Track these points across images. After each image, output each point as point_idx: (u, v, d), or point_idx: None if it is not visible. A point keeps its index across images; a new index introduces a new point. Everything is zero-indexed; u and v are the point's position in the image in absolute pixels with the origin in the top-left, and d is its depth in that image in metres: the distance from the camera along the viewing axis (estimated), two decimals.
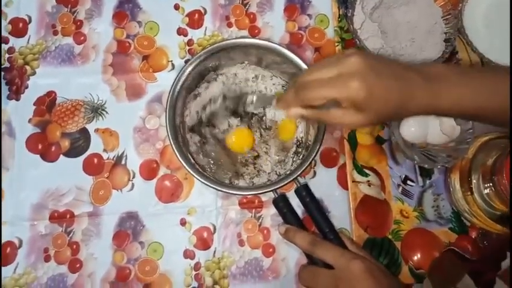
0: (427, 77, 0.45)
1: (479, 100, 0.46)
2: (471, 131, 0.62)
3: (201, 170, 0.61)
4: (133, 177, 0.66)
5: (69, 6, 0.73)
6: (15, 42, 0.71)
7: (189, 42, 0.72)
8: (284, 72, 0.67)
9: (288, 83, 0.68)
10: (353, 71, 0.43)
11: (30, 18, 0.72)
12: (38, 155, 0.67)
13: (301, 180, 0.60)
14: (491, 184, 0.60)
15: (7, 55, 0.70)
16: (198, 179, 0.58)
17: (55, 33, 0.72)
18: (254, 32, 0.73)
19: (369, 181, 0.65)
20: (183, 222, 0.65)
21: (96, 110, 0.69)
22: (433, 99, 0.45)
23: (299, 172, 0.58)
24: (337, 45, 0.71)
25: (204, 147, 0.66)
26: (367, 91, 0.43)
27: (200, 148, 0.66)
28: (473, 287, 0.57)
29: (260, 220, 0.65)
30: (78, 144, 0.68)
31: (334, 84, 0.44)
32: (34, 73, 0.70)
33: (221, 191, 0.59)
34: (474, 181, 0.62)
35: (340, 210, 0.65)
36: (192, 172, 0.58)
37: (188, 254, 0.64)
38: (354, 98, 0.43)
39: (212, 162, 0.65)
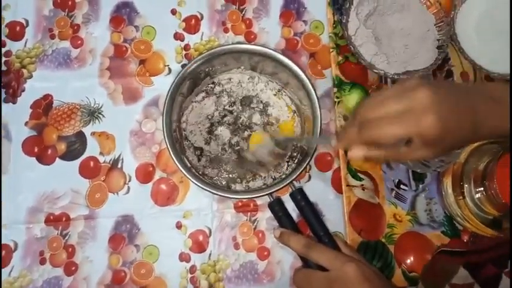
0: (495, 99, 0.43)
1: None
2: None
3: (197, 174, 0.61)
4: (130, 180, 0.67)
5: (67, 10, 0.74)
6: (12, 45, 0.71)
7: (186, 47, 0.72)
8: (280, 78, 0.68)
9: (291, 90, 0.68)
10: (425, 106, 0.40)
11: (27, 21, 0.72)
12: (34, 158, 0.67)
13: (296, 184, 0.61)
14: (482, 189, 0.61)
15: (4, 58, 0.70)
16: (193, 183, 0.59)
17: (52, 36, 0.72)
18: (250, 37, 0.73)
19: (362, 185, 0.66)
20: (178, 226, 0.65)
21: (93, 114, 0.69)
22: (502, 122, 0.43)
23: (294, 176, 0.59)
24: (332, 51, 0.72)
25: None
26: (442, 127, 0.40)
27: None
28: (469, 277, 0.58)
29: (255, 223, 0.66)
30: (75, 147, 0.68)
31: (405, 121, 0.41)
32: (31, 76, 0.70)
33: (217, 194, 0.60)
34: (466, 186, 0.63)
35: (335, 214, 0.66)
36: (188, 175, 0.59)
37: (184, 257, 0.64)
38: (428, 135, 0.41)
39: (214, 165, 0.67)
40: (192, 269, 0.64)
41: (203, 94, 0.69)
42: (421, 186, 0.67)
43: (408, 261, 0.64)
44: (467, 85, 0.46)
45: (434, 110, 0.40)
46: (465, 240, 0.65)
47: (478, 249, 0.63)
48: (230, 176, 0.66)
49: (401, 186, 0.67)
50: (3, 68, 0.70)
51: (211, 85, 0.69)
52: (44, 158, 0.67)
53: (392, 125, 0.41)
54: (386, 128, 0.42)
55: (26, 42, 0.71)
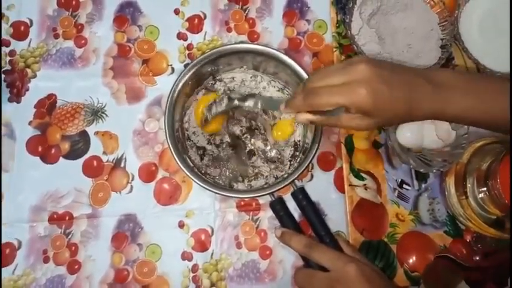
0: (435, 83, 0.46)
1: (483, 107, 0.47)
2: (466, 136, 0.62)
3: (199, 173, 0.61)
4: (132, 179, 0.67)
5: (70, 10, 0.74)
6: (16, 45, 0.72)
7: (189, 47, 0.73)
8: (282, 77, 0.68)
9: (291, 88, 0.68)
10: (360, 78, 0.45)
11: (31, 21, 0.73)
12: (38, 157, 0.67)
13: (298, 183, 0.60)
14: (485, 188, 0.60)
15: (8, 58, 0.71)
16: (196, 182, 0.59)
17: (56, 36, 0.73)
18: (253, 37, 0.74)
19: (365, 185, 0.66)
20: (181, 225, 0.66)
21: (96, 113, 0.69)
22: (440, 106, 0.46)
23: (296, 175, 0.58)
24: (335, 51, 0.72)
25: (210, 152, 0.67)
26: (374, 98, 0.44)
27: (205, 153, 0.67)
28: None
29: (257, 223, 0.66)
30: (78, 146, 0.68)
31: (343, 91, 0.45)
32: (35, 76, 0.71)
33: (219, 194, 0.60)
34: (469, 185, 0.62)
35: (337, 213, 0.66)
36: (190, 175, 0.59)
37: (186, 256, 0.65)
38: (362, 104, 0.45)
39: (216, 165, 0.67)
40: (194, 268, 0.64)
41: (203, 91, 0.69)
42: (423, 185, 0.67)
43: (410, 260, 0.64)
44: (410, 68, 0.50)
45: (368, 83, 0.44)
46: (468, 240, 0.65)
47: (480, 267, 0.63)
48: (232, 174, 0.66)
49: (404, 185, 0.67)
50: (8, 67, 0.70)
51: (211, 81, 0.69)
52: (47, 157, 0.68)
53: (332, 94, 0.46)
54: (326, 97, 0.46)
55: (30, 42, 0.72)
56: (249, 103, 0.61)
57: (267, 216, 0.66)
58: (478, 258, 0.64)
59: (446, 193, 0.65)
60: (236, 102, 0.61)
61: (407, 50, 0.69)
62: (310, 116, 0.50)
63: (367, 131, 0.68)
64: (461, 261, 0.63)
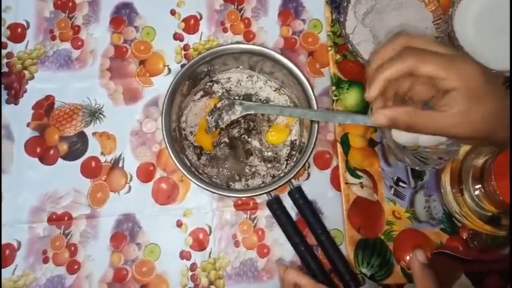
0: None
1: None
2: None
3: (196, 173, 0.62)
4: (131, 179, 0.68)
5: (67, 11, 0.74)
6: (13, 47, 0.72)
7: (185, 47, 0.73)
8: (278, 77, 0.68)
9: (287, 88, 0.68)
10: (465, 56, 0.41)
11: (28, 23, 0.73)
12: (37, 158, 0.68)
13: (295, 182, 0.61)
14: (481, 186, 0.61)
15: (5, 60, 0.71)
16: (193, 182, 0.59)
17: (53, 38, 0.73)
18: (249, 36, 0.74)
19: (361, 183, 0.67)
20: (179, 224, 0.66)
21: (94, 114, 0.70)
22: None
23: (292, 174, 0.59)
24: (330, 50, 0.72)
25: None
26: (483, 74, 0.39)
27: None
28: (471, 286, 0.58)
29: (255, 221, 0.66)
30: (76, 147, 0.69)
31: (452, 61, 0.40)
32: (32, 77, 0.71)
33: (216, 193, 0.60)
34: (464, 183, 0.63)
35: (333, 212, 0.66)
36: (187, 175, 0.59)
37: (184, 255, 0.65)
38: (471, 81, 0.39)
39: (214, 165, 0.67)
40: (193, 267, 0.65)
41: (201, 93, 0.69)
42: (420, 183, 0.67)
43: (407, 258, 0.64)
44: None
45: (474, 62, 0.40)
46: (464, 237, 0.65)
47: (481, 260, 0.63)
48: (229, 174, 0.66)
49: (400, 183, 0.67)
50: (5, 69, 0.71)
51: (209, 83, 0.69)
52: (46, 158, 0.68)
53: (440, 58, 0.40)
54: (432, 57, 0.40)
55: (27, 44, 0.72)
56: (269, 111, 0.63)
57: (264, 215, 0.66)
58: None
59: (442, 190, 0.66)
60: (252, 111, 0.62)
61: None
62: (392, 111, 0.42)
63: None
64: (458, 254, 0.63)
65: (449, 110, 0.40)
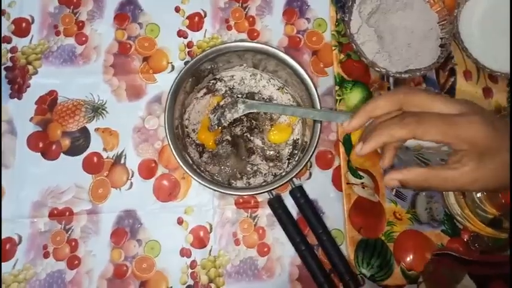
0: None
1: None
2: None
3: (198, 171, 0.62)
4: (132, 176, 0.68)
5: (72, 7, 0.74)
6: (18, 41, 0.72)
7: (189, 45, 0.73)
8: (281, 76, 0.68)
9: (290, 86, 0.68)
10: (471, 110, 0.39)
11: (33, 18, 0.74)
12: (39, 153, 0.68)
13: (296, 181, 0.61)
14: None
15: (10, 54, 0.72)
16: (195, 179, 0.59)
17: (57, 33, 0.73)
18: (253, 35, 0.74)
19: (363, 183, 0.67)
20: (180, 221, 0.66)
21: (97, 110, 0.70)
22: None
23: (294, 174, 0.59)
24: (334, 49, 0.72)
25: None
26: (492, 130, 0.38)
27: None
28: None
29: (256, 220, 0.66)
30: (79, 143, 0.69)
31: (457, 121, 0.38)
32: (36, 72, 0.71)
33: (217, 191, 0.60)
34: None
35: (335, 211, 0.66)
36: (189, 172, 0.59)
37: (184, 252, 0.65)
38: (477, 135, 0.38)
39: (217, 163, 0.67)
40: (193, 264, 0.65)
41: (204, 90, 0.69)
42: None
43: (408, 259, 0.64)
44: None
45: (481, 113, 0.39)
46: (465, 240, 0.65)
47: (485, 261, 0.62)
48: (231, 172, 0.66)
49: None
50: (9, 64, 0.71)
51: (212, 81, 0.69)
52: (48, 154, 0.68)
53: (442, 123, 0.39)
54: (435, 123, 0.39)
55: (31, 39, 0.73)
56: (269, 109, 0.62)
57: (265, 214, 0.66)
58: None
59: (443, 192, 0.65)
60: (255, 110, 0.62)
61: (407, 49, 0.69)
62: (403, 176, 0.41)
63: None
64: (462, 256, 0.62)
65: (461, 167, 0.39)
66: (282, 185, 0.59)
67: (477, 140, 0.38)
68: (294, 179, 0.60)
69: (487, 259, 0.63)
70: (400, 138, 0.40)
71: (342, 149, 0.68)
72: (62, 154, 0.68)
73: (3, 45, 0.72)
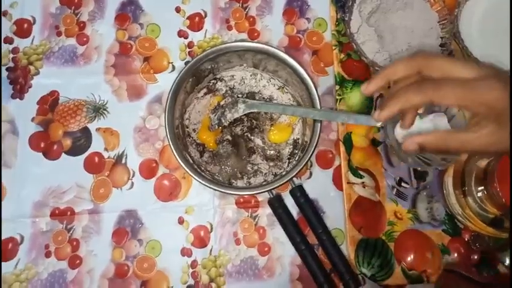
0: None
1: None
2: None
3: (199, 170, 0.62)
4: (133, 176, 0.68)
5: (73, 7, 0.75)
6: (19, 42, 0.73)
7: (190, 45, 0.73)
8: (282, 75, 0.68)
9: (291, 86, 0.68)
10: (490, 73, 0.39)
11: (34, 19, 0.74)
12: (41, 153, 0.68)
13: (297, 181, 0.61)
14: (484, 187, 0.60)
15: (11, 55, 0.72)
16: (195, 179, 0.59)
17: (58, 34, 0.73)
18: (253, 35, 0.74)
19: (363, 182, 0.67)
20: (180, 221, 0.66)
21: (98, 110, 0.70)
22: None
23: (294, 173, 0.59)
24: (334, 49, 0.72)
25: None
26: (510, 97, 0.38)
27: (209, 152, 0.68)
28: None
29: (256, 219, 0.67)
30: (80, 143, 0.69)
31: (475, 85, 0.39)
32: (38, 73, 0.71)
33: (218, 190, 0.60)
34: (467, 184, 0.62)
35: (335, 211, 0.66)
36: (189, 172, 0.59)
37: (185, 252, 0.65)
38: (497, 104, 0.38)
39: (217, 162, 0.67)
40: (194, 264, 0.65)
41: (204, 90, 0.69)
42: (422, 184, 0.67)
43: (408, 259, 0.64)
44: None
45: (500, 77, 0.39)
46: (466, 239, 0.65)
47: (490, 283, 0.61)
48: (232, 171, 0.66)
49: (403, 183, 0.67)
50: (11, 64, 0.71)
51: (213, 81, 0.69)
52: (50, 153, 0.68)
53: (460, 88, 0.39)
54: (452, 89, 0.39)
55: (33, 39, 0.73)
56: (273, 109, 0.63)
57: (265, 213, 0.66)
58: (476, 257, 0.65)
59: (444, 192, 0.65)
60: (255, 109, 0.63)
61: (407, 49, 0.69)
62: (423, 138, 0.42)
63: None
64: (471, 276, 0.61)
65: (480, 130, 0.40)
66: (282, 184, 0.59)
67: (495, 103, 0.38)
68: (294, 179, 0.60)
69: (497, 282, 0.62)
70: (418, 104, 0.41)
71: (342, 149, 0.68)
72: (63, 154, 0.69)
73: (5, 46, 0.72)
